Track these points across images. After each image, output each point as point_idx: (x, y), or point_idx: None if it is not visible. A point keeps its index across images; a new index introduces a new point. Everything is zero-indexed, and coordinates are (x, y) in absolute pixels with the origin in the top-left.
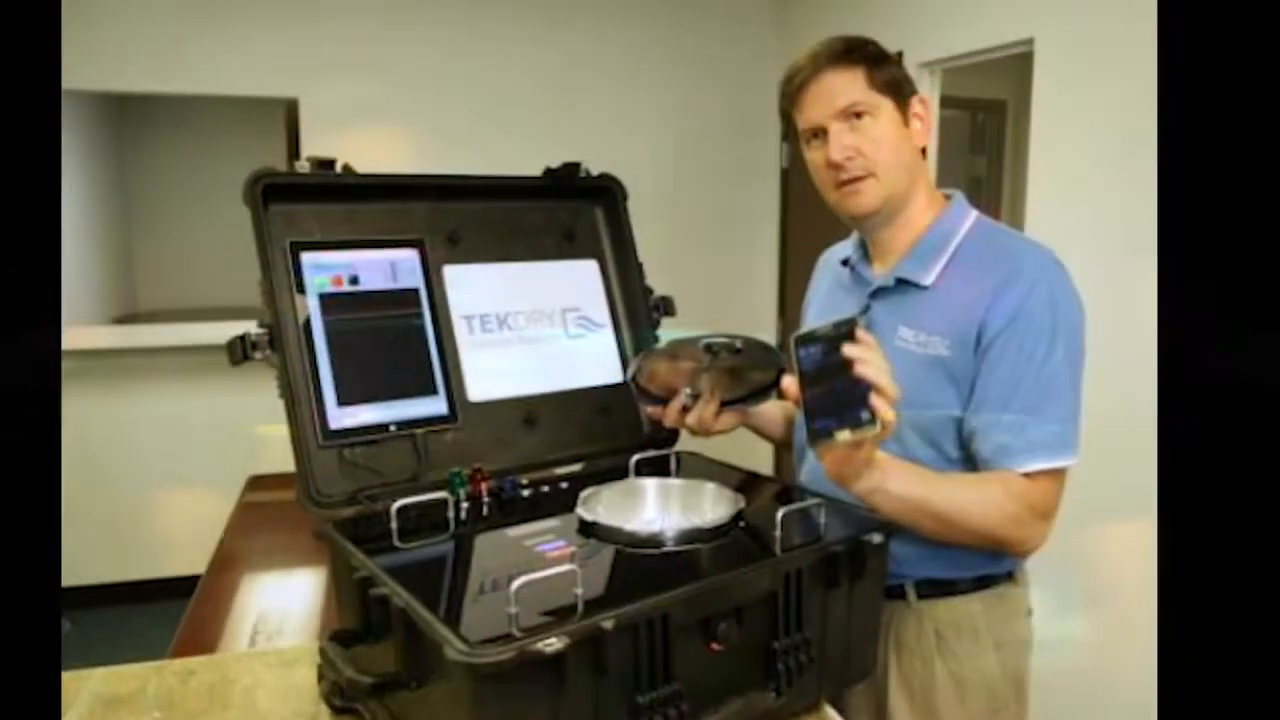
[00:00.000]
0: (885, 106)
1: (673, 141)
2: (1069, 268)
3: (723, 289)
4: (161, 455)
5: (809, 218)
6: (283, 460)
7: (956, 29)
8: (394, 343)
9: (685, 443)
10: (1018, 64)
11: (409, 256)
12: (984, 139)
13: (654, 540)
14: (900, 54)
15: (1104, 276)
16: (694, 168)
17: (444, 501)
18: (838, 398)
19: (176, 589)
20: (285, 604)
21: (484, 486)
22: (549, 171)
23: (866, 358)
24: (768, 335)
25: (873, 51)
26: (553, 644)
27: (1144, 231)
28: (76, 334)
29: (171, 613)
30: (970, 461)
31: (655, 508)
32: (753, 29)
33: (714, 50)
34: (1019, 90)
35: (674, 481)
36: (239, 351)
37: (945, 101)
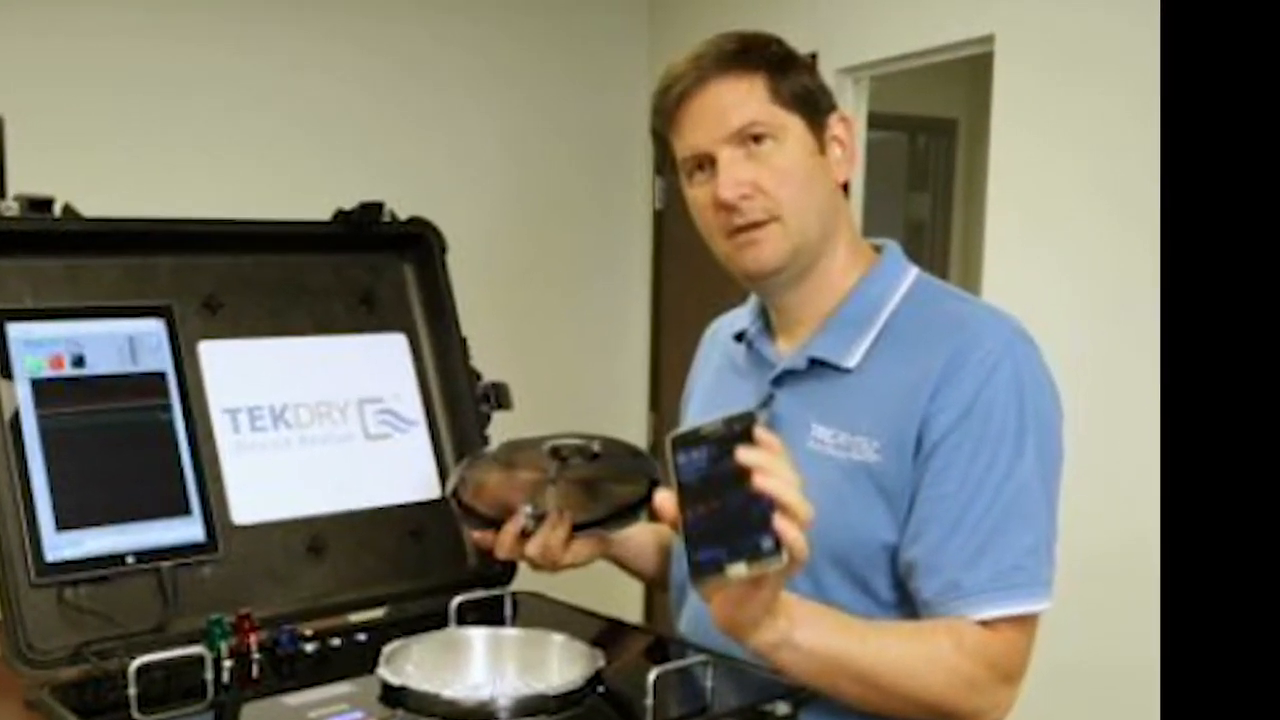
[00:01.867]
0: (794, 127)
1: (512, 174)
2: (1040, 342)
3: (576, 372)
4: None
5: (691, 276)
6: None
7: (889, 24)
8: (132, 445)
9: (524, 579)
10: (972, 70)
11: (153, 329)
12: (927, 170)
13: (483, 711)
14: (814, 57)
15: (1088, 353)
16: (539, 209)
17: (200, 659)
18: (730, 520)
19: None
20: None
21: (254, 638)
22: (341, 215)
23: (768, 466)
24: (636, 435)
25: (777, 53)
26: None
27: (1141, 290)
28: None
29: None
30: (909, 605)
31: (484, 668)
32: (623, 26)
33: (572, 52)
34: (973, 105)
35: (509, 632)
36: None
37: (875, 120)
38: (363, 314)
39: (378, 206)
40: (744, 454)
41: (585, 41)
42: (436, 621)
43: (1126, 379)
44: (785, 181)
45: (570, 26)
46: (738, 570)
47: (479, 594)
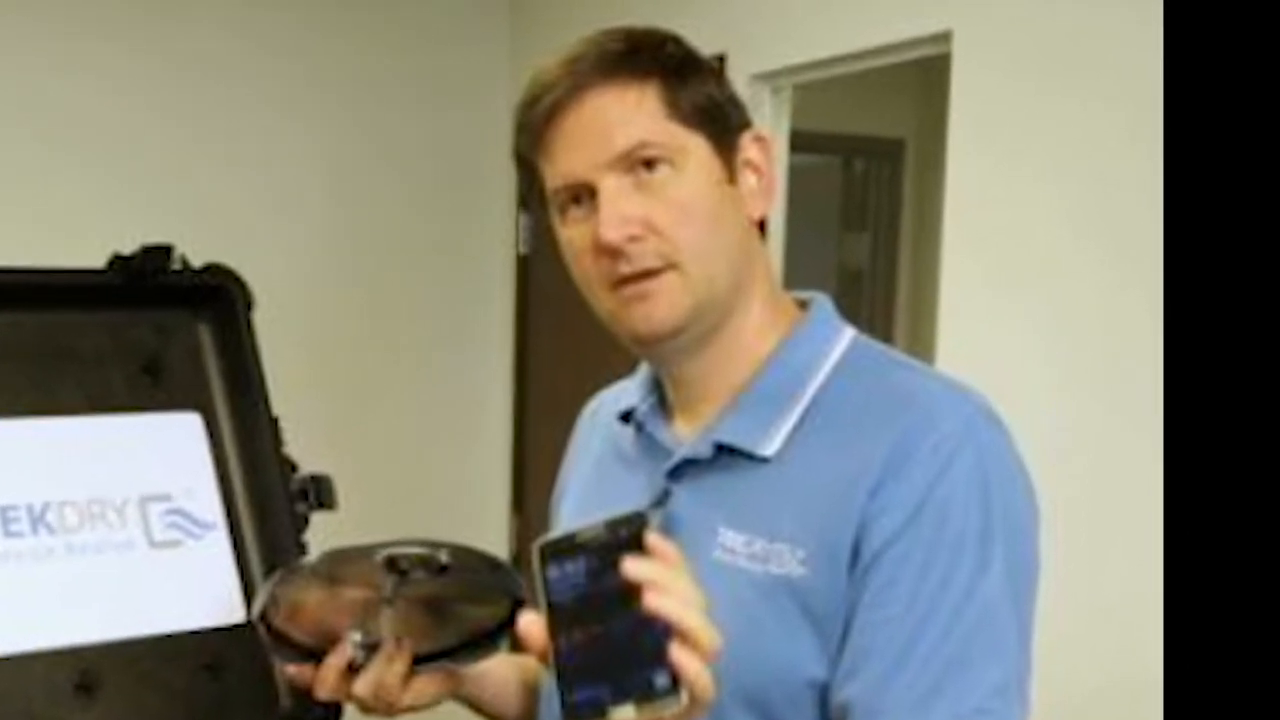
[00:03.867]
0: (696, 149)
1: (337, 210)
2: (1011, 424)
3: (418, 462)
4: None
5: (565, 339)
6: None
7: (816, 19)
8: None
9: None
10: (924, 76)
11: None
12: (866, 204)
13: None
14: (721, 60)
15: (1072, 438)
16: (371, 254)
17: None
18: (614, 650)
19: None
20: None
21: None
22: (119, 261)
23: (663, 582)
24: (496, 543)
25: (674, 56)
26: None
27: (1139, 357)
28: None
29: None
30: None
31: None
32: (477, 24)
33: (413, 56)
34: (924, 121)
35: None
36: None
37: (800, 141)
38: (146, 387)
39: (165, 251)
40: (632, 566)
41: (430, 42)
42: None
43: (1121, 470)
44: (685, 218)
45: (411, 24)
46: (624, 714)
47: None
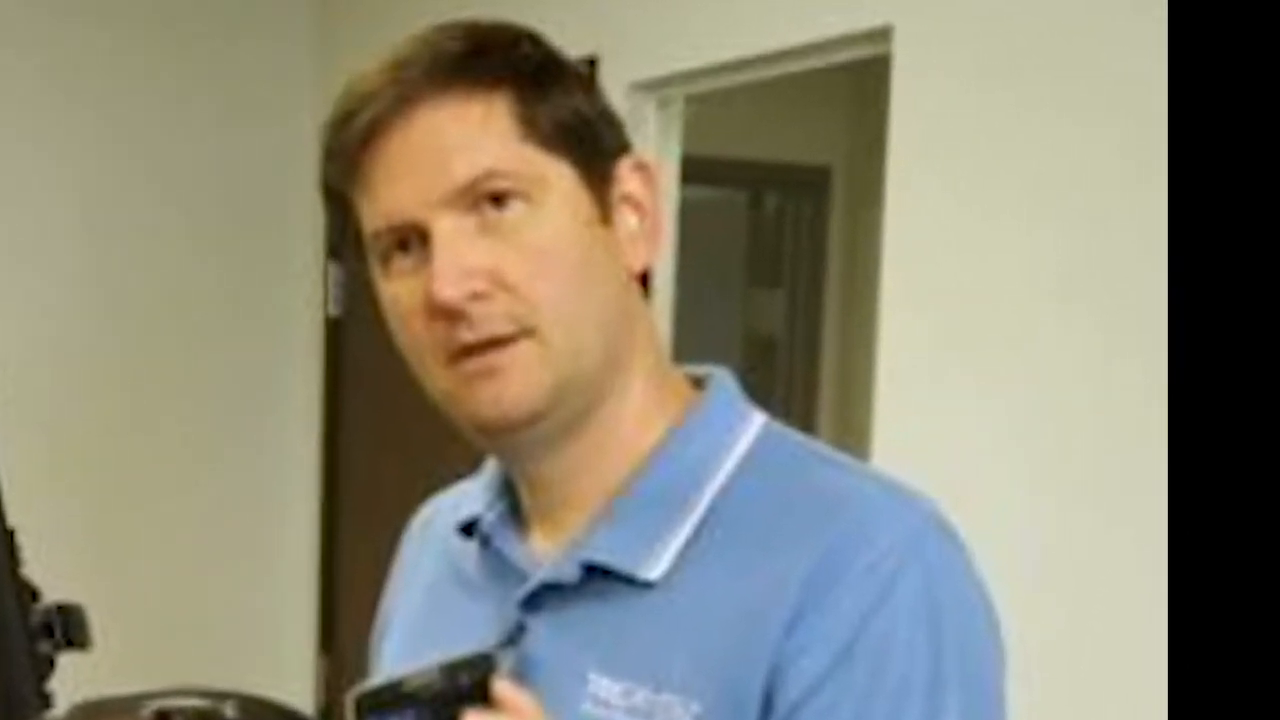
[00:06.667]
0: (559, 180)
1: (91, 257)
2: (971, 536)
3: (198, 589)
4: None
5: (387, 428)
6: None
7: (715, 13)
8: None
9: None
10: (856, 85)
11: None
12: (781, 252)
13: None
14: (592, 64)
15: (1049, 554)
16: (137, 315)
17: None
18: None
19: None
20: None
21: None
22: None
23: None
24: (298, 693)
25: (531, 59)
26: None
27: (1136, 448)
28: None
29: None
30: None
31: None
32: (275, 17)
33: (191, 59)
34: (857, 144)
35: None
36: None
37: (696, 169)
38: None
39: None
40: None
41: (213, 39)
42: None
43: (1115, 599)
44: (544, 269)
45: (188, 14)
46: None
47: None
